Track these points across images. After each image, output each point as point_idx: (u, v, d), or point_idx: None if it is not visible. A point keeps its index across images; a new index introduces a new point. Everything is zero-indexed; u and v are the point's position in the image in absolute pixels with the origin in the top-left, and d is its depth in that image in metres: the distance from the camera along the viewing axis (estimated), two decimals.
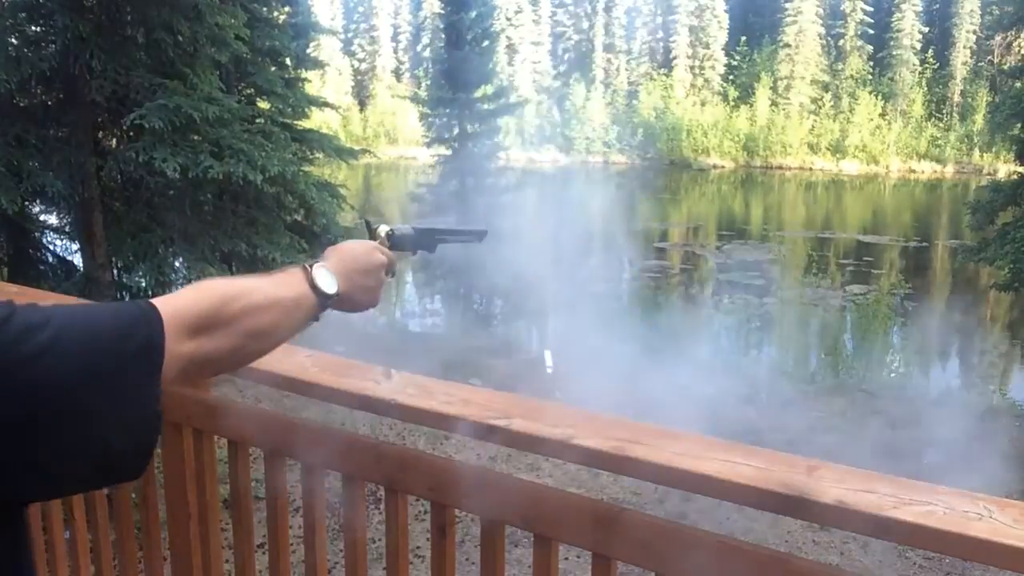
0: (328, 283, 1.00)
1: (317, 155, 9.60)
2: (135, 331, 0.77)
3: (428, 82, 17.78)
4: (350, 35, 68.81)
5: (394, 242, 1.19)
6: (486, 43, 15.20)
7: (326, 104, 10.99)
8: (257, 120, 8.85)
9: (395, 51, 70.53)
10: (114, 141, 8.12)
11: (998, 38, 48.42)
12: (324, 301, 1.00)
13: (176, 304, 0.83)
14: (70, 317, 0.73)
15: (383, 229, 1.19)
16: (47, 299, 1.91)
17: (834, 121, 54.52)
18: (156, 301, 0.82)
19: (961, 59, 54.96)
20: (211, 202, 8.70)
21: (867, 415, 7.18)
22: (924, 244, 27.87)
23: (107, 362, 0.73)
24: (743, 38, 59.54)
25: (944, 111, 54.21)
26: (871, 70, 57.03)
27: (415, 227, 1.24)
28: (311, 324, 1.02)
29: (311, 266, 1.00)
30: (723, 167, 53.17)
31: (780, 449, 1.16)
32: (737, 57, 59.76)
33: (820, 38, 57.79)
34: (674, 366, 8.74)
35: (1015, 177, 12.27)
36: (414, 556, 2.42)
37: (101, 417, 0.73)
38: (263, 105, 9.65)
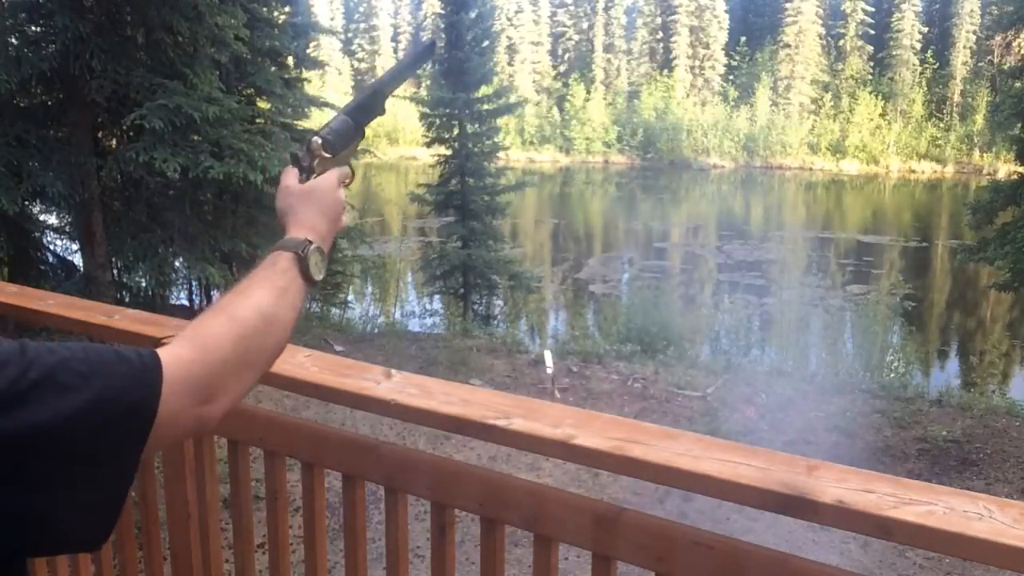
0: (320, 268, 0.93)
1: None
2: (126, 388, 0.69)
3: (428, 82, 17.74)
4: (350, 35, 68.85)
5: (333, 147, 0.97)
6: (486, 43, 15.23)
7: (326, 104, 11.01)
8: (257, 120, 8.87)
9: (395, 51, 70.55)
10: (114, 141, 8.14)
11: (998, 38, 48.41)
12: (313, 286, 0.93)
13: (185, 368, 0.75)
14: (57, 359, 0.65)
15: (316, 141, 0.96)
16: (47, 299, 1.92)
17: (834, 121, 54.53)
18: (163, 356, 0.74)
19: (961, 59, 54.97)
20: (211, 202, 8.72)
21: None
22: (924, 244, 27.88)
23: (85, 420, 0.65)
24: (743, 38, 59.55)
25: (944, 111, 54.22)
26: (871, 70, 57.04)
27: (346, 109, 0.99)
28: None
29: (305, 252, 0.91)
30: (723, 167, 53.15)
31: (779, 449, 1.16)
32: (737, 57, 59.75)
33: (820, 38, 57.81)
34: (673, 366, 8.76)
35: (1015, 177, 12.27)
36: (414, 556, 2.42)
37: (58, 481, 0.64)
38: (263, 105, 9.67)
